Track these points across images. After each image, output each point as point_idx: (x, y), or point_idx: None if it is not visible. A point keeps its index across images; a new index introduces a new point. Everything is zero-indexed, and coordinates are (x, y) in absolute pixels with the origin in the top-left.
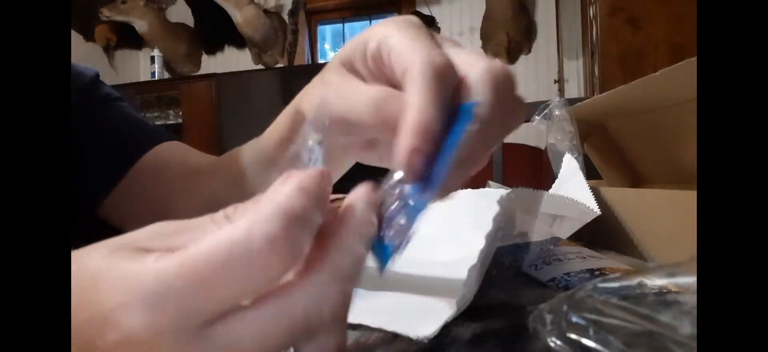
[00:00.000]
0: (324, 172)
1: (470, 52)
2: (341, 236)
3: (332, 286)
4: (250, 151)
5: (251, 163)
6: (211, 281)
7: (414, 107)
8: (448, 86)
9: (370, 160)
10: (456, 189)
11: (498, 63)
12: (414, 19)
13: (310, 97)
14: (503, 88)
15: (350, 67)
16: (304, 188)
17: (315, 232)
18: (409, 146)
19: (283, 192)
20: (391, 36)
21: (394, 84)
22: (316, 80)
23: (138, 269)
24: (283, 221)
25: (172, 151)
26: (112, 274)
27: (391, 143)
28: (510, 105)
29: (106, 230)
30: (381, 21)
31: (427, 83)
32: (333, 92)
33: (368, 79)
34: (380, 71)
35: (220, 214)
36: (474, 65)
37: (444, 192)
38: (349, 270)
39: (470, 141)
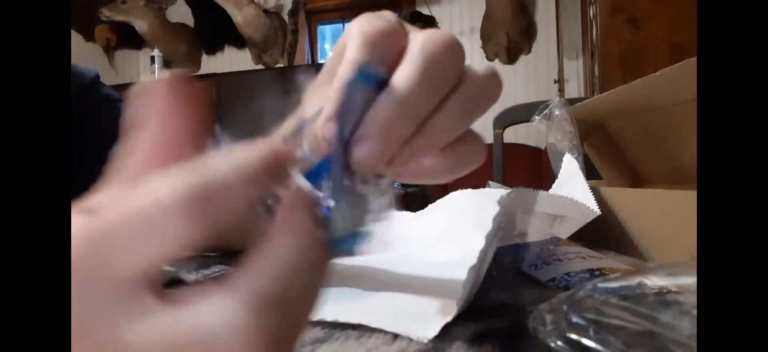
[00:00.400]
0: (275, 150)
1: (426, 31)
2: (270, 250)
3: (247, 316)
4: None
5: None
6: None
7: (337, 76)
8: (381, 55)
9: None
10: (375, 161)
11: (439, 34)
12: (384, 13)
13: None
14: (434, 55)
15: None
16: (239, 163)
17: (231, 212)
18: (326, 114)
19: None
20: (351, 28)
21: None
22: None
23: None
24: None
25: None
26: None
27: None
28: (444, 76)
29: None
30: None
31: (358, 45)
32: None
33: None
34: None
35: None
36: (415, 37)
37: (357, 160)
38: (274, 294)
39: (381, 108)
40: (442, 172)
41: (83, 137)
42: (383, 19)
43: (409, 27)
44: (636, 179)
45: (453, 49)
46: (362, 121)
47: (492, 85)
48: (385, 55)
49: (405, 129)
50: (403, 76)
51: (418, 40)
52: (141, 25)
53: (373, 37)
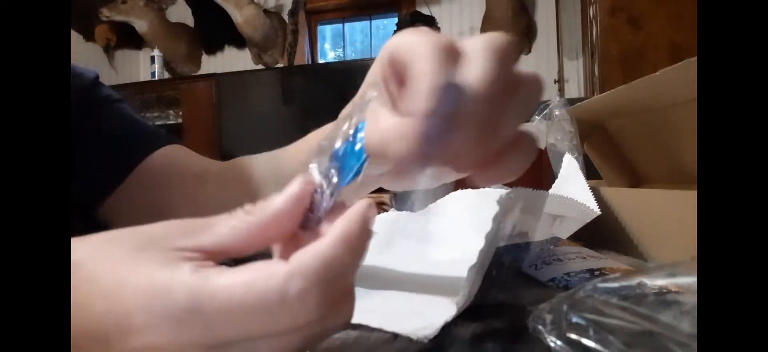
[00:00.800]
0: (369, 213)
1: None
2: (350, 289)
3: (348, 314)
4: (265, 165)
5: (268, 179)
6: (239, 317)
7: (420, 72)
8: (449, 59)
9: (401, 186)
10: (470, 151)
11: (498, 34)
12: (421, 29)
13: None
14: (500, 53)
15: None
16: (350, 241)
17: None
18: (417, 105)
19: (326, 243)
20: (397, 38)
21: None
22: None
23: (169, 281)
24: (320, 280)
25: (175, 154)
26: (140, 279)
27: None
28: (507, 74)
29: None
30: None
31: (430, 53)
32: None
33: (390, 87)
34: (396, 74)
35: (239, 210)
36: (475, 39)
37: (454, 150)
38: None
39: (469, 103)
40: (512, 171)
41: (83, 138)
42: (436, 33)
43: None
44: (636, 179)
45: (507, 46)
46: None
47: (541, 87)
48: (452, 65)
49: (492, 124)
50: (479, 76)
51: (481, 46)
52: (141, 25)
53: (447, 49)
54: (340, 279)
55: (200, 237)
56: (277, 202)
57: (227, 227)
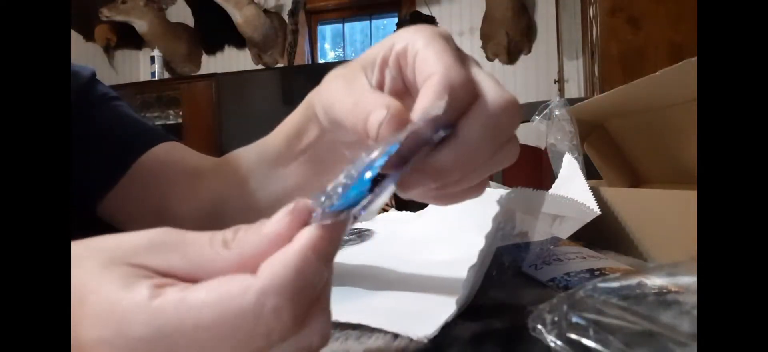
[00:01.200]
0: (339, 224)
1: (490, 78)
2: (324, 305)
3: (325, 330)
4: (253, 153)
5: (256, 164)
6: (209, 340)
7: (416, 112)
8: (459, 101)
9: None
10: (418, 188)
11: (509, 95)
12: (444, 30)
13: (320, 91)
14: (498, 125)
15: (369, 67)
16: (319, 247)
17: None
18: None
19: (295, 251)
20: (419, 43)
21: (411, 88)
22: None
23: (129, 303)
24: (294, 292)
25: (171, 151)
26: (101, 298)
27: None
28: (500, 135)
29: (105, 230)
30: (411, 27)
31: (438, 96)
32: (333, 87)
33: (387, 80)
34: (400, 73)
35: (219, 237)
36: (491, 89)
37: (404, 187)
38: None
39: (442, 154)
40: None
41: (79, 136)
42: (459, 62)
43: (473, 65)
44: (636, 179)
45: (515, 114)
46: (422, 151)
47: (517, 151)
48: (459, 106)
49: (457, 176)
50: (470, 136)
51: (487, 103)
52: (141, 25)
53: (455, 91)
54: (312, 289)
55: (171, 258)
56: (265, 232)
57: (202, 257)
